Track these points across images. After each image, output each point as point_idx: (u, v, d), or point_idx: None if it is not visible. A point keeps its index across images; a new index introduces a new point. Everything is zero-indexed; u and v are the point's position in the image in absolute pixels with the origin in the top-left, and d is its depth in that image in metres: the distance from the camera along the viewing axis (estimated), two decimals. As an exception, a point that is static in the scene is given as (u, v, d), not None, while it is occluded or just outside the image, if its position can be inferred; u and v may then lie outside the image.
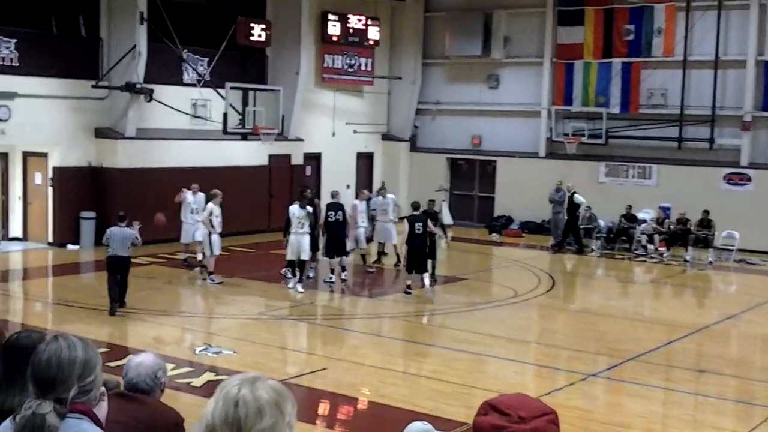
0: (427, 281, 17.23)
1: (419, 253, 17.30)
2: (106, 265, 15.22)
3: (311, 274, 18.49)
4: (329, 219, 18.17)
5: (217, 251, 17.90)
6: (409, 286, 17.42)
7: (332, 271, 18.38)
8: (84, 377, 2.73)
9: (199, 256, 18.77)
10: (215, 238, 17.74)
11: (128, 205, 21.96)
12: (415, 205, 17.91)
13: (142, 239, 15.54)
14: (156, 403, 4.12)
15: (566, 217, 24.21)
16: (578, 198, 23.90)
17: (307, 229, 17.37)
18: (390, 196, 20.72)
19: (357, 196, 20.99)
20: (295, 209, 17.50)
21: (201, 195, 19.52)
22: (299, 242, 17.33)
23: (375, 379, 12.05)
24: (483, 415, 2.09)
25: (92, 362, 2.77)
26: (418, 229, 17.27)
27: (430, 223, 17.65)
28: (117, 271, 15.07)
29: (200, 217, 18.48)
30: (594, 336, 15.16)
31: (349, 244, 19.15)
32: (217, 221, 17.63)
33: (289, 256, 17.55)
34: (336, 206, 18.37)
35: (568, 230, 24.16)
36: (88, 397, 2.73)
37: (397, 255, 20.10)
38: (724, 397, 11.85)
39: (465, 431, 8.91)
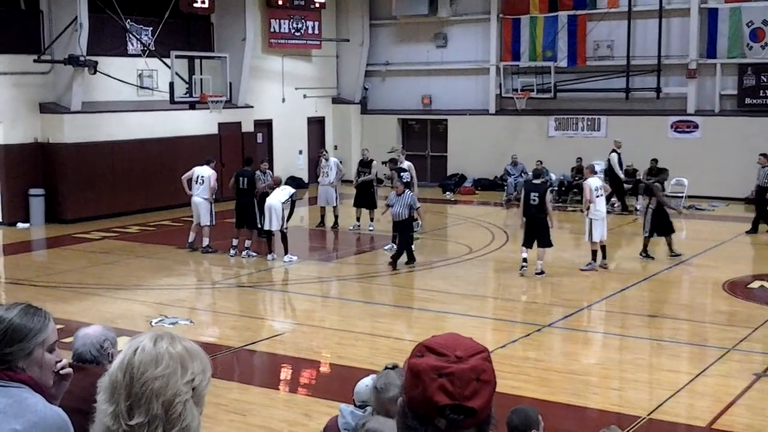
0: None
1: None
2: None
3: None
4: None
5: None
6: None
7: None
8: (4, 344, 2.67)
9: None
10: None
11: (78, 180, 21.85)
12: None
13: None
14: (103, 373, 4.09)
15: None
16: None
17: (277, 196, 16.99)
18: (333, 159, 20.81)
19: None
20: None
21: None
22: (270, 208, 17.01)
23: (333, 341, 12.11)
24: (419, 357, 2.06)
25: (22, 332, 2.71)
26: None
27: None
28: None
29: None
30: (548, 288, 15.35)
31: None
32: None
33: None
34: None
35: None
36: (9, 366, 2.66)
37: (336, 217, 20.56)
38: (677, 340, 12.08)
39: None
